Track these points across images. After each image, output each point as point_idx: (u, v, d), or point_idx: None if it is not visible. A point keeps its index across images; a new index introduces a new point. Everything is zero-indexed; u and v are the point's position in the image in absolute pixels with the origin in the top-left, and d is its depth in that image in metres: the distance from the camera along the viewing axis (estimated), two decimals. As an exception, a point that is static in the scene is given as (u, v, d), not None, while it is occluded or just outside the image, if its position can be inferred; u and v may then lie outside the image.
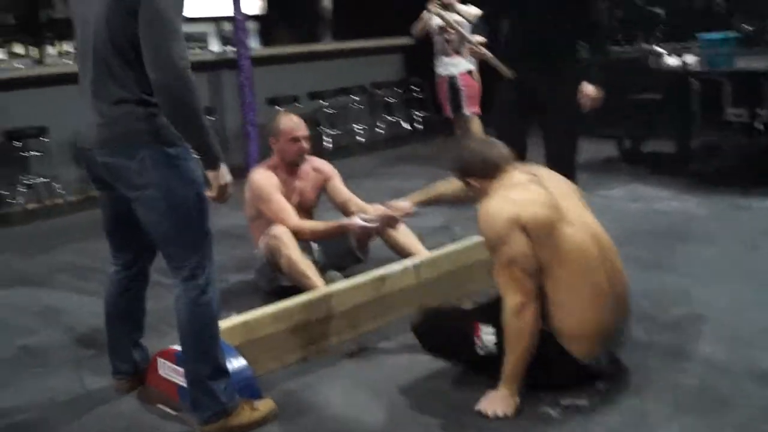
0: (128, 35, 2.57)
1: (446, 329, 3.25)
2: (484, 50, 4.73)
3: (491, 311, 3.00)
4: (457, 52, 7.57)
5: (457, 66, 7.59)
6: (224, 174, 2.75)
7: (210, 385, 2.82)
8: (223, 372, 2.87)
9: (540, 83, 4.42)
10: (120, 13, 2.57)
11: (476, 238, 4.26)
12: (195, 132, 2.63)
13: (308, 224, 4.23)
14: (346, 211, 4.39)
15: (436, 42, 7.66)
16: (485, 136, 7.44)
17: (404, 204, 3.93)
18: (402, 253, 4.30)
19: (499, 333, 2.94)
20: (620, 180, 6.83)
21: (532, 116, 4.63)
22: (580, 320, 2.91)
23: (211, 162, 2.71)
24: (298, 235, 4.16)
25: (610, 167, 7.43)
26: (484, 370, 3.05)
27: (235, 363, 3.06)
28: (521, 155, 4.64)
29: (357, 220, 4.08)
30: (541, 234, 2.86)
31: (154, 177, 2.67)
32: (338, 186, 4.52)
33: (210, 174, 2.73)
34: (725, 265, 4.46)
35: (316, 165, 4.53)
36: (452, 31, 7.24)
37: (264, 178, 4.30)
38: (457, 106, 7.53)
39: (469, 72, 7.51)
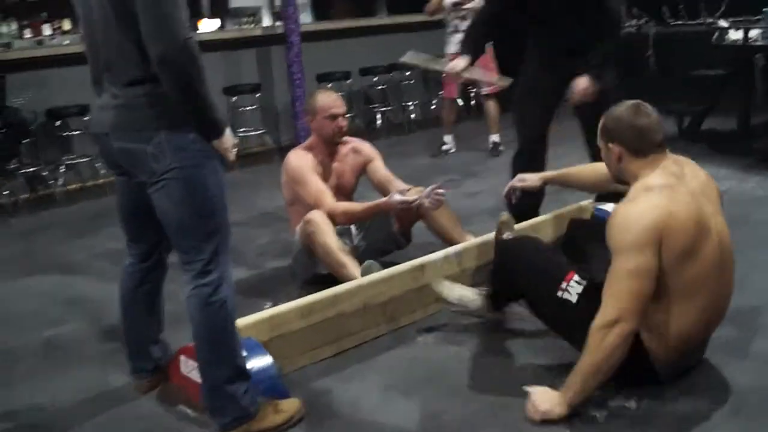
0: (131, 8, 2.38)
1: (537, 256, 3.11)
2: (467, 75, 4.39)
3: (591, 277, 2.87)
4: None
5: None
6: (229, 138, 2.61)
7: (229, 390, 2.65)
8: (243, 374, 2.70)
9: (570, 75, 4.19)
10: None
11: (525, 224, 4.07)
12: (199, 105, 2.48)
13: (343, 206, 4.02)
14: (385, 193, 4.16)
15: (448, 19, 7.42)
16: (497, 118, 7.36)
17: (532, 178, 3.81)
18: (446, 238, 4.09)
19: (587, 290, 2.81)
20: None
21: (558, 105, 4.46)
22: (677, 326, 2.69)
23: (216, 132, 2.56)
24: (334, 218, 3.97)
25: (668, 145, 6.98)
26: (546, 319, 3.03)
27: (260, 361, 2.91)
28: (541, 145, 4.51)
29: (396, 197, 3.86)
30: (677, 248, 2.61)
31: (172, 162, 2.52)
32: (378, 167, 4.31)
33: (216, 143, 2.57)
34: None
35: (356, 146, 4.33)
36: (467, 6, 7.04)
37: (299, 159, 4.12)
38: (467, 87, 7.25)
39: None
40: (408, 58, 4.32)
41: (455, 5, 7.32)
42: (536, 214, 4.33)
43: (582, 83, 4.12)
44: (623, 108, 2.83)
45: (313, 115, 4.15)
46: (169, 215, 2.61)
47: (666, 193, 2.64)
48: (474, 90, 8.11)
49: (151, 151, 2.52)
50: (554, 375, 2.94)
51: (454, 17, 7.40)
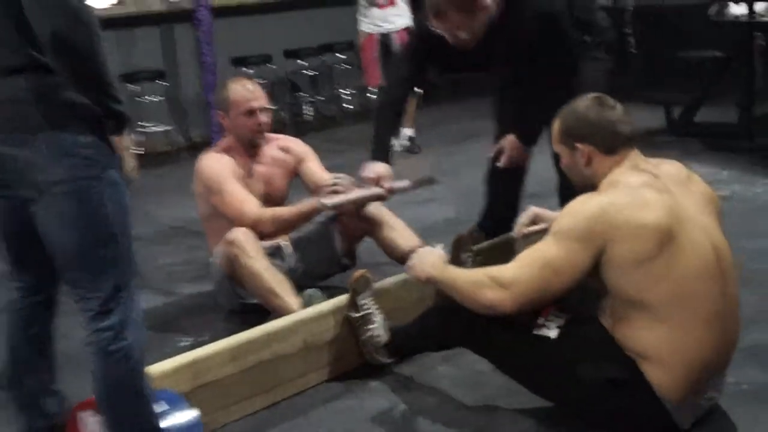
0: None
1: None
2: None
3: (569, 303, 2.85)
4: (391, 2, 7.26)
5: (391, 20, 7.27)
6: (128, 139, 2.53)
7: (139, 457, 2.50)
8: (157, 437, 2.55)
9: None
10: None
11: (497, 240, 4.04)
12: (99, 89, 2.36)
13: (269, 211, 3.91)
14: None
15: None
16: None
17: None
18: (397, 255, 3.99)
19: (569, 324, 2.81)
20: (668, 156, 6.25)
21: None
22: (677, 342, 2.65)
23: (121, 124, 2.47)
24: (262, 228, 3.85)
25: (656, 141, 7.20)
26: (516, 366, 2.93)
27: (182, 416, 2.78)
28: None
29: (325, 200, 3.76)
30: (632, 251, 2.60)
31: (58, 172, 2.38)
32: (314, 168, 4.20)
33: (117, 139, 2.47)
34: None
35: (283, 144, 4.22)
36: None
37: (214, 164, 3.99)
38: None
39: (407, 29, 7.14)
40: (331, 202, 3.85)
41: None
42: (507, 230, 4.26)
43: (508, 145, 4.04)
44: (584, 104, 2.85)
45: (226, 111, 4.01)
46: (58, 240, 2.45)
47: (631, 191, 2.67)
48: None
49: (31, 159, 2.37)
50: (534, 422, 2.93)
51: None
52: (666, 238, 2.60)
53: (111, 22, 7.75)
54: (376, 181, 3.77)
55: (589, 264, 2.63)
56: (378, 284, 3.52)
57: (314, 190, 4.13)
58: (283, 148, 4.19)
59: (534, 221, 3.15)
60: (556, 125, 2.90)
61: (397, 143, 7.68)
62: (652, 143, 7.07)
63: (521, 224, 3.19)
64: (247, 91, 4.00)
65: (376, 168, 3.80)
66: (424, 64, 4.07)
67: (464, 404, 3.15)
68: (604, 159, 2.78)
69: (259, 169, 4.10)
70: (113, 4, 8.66)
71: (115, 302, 2.46)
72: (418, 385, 3.30)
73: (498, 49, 3.78)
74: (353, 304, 3.34)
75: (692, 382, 2.69)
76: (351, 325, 3.35)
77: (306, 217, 3.92)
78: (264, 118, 4.01)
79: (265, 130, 4.05)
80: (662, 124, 7.52)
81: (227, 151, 4.05)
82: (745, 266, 4.19)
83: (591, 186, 2.82)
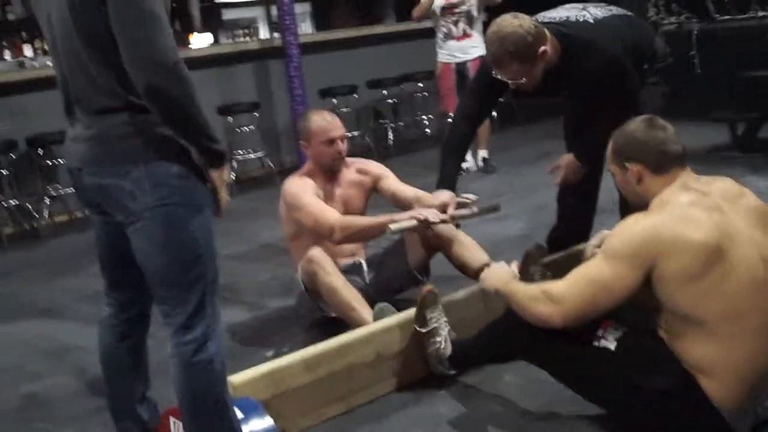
0: (100, 26, 2.26)
1: None
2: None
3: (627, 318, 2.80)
4: (466, 34, 7.21)
5: (466, 50, 7.22)
6: (226, 172, 2.50)
7: (219, 461, 2.49)
8: (237, 444, 2.54)
9: None
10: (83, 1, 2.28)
11: (566, 253, 3.96)
12: (197, 133, 2.36)
13: (345, 220, 3.82)
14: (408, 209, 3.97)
15: (438, 25, 7.31)
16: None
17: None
18: (467, 270, 3.91)
19: (627, 336, 2.75)
20: (733, 173, 6.12)
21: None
22: (731, 355, 2.56)
23: (218, 160, 2.44)
24: (335, 234, 3.78)
25: (721, 157, 6.98)
26: (574, 377, 2.87)
27: (260, 425, 2.75)
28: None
29: (391, 225, 3.63)
30: (682, 269, 2.52)
31: (151, 200, 2.39)
32: (393, 184, 4.14)
33: (215, 173, 2.45)
34: None
35: (360, 167, 4.18)
36: (458, 10, 6.92)
37: (296, 185, 3.97)
38: None
39: (482, 57, 7.08)
40: (397, 227, 3.69)
41: (445, 9, 7.20)
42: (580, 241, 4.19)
43: (567, 162, 3.94)
44: (635, 125, 2.78)
45: (308, 140, 4.00)
46: (148, 261, 2.47)
47: (679, 210, 2.59)
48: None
49: (128, 188, 2.39)
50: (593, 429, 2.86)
51: (444, 22, 7.29)
52: (715, 255, 2.50)
53: (208, 60, 7.92)
54: (442, 209, 3.70)
55: (638, 282, 2.56)
56: (446, 298, 3.47)
57: (399, 203, 4.08)
58: (361, 170, 4.17)
59: None
60: (610, 146, 2.84)
61: (473, 164, 7.64)
62: (718, 159, 6.89)
63: (592, 245, 3.10)
64: (326, 122, 3.99)
65: (441, 196, 3.73)
66: (491, 100, 4.02)
67: (528, 410, 3.08)
68: (654, 178, 2.70)
69: (338, 191, 4.09)
70: (211, 44, 8.84)
71: (198, 318, 2.46)
72: (484, 393, 3.25)
73: (560, 86, 3.72)
74: (421, 319, 3.30)
75: (747, 392, 2.59)
76: (418, 338, 3.32)
77: (376, 230, 3.80)
78: (342, 146, 3.99)
79: (343, 158, 4.04)
80: (727, 141, 7.29)
81: (309, 175, 4.05)
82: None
83: (645, 204, 2.73)
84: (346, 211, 4.04)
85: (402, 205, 4.06)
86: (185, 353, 2.45)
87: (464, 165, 7.59)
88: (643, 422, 2.72)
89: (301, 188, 3.94)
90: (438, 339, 3.25)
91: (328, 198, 4.01)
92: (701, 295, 2.51)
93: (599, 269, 2.62)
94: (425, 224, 3.64)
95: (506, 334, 3.01)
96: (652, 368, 2.65)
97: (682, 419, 2.62)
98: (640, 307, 2.71)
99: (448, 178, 3.79)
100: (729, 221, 2.57)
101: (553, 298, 2.67)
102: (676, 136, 2.74)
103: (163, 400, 2.94)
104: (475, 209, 3.76)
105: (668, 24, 8.44)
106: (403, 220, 3.64)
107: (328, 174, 4.05)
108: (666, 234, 2.52)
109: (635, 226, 2.61)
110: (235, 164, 7.91)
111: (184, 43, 8.87)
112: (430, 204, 3.74)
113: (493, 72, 3.57)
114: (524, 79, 3.51)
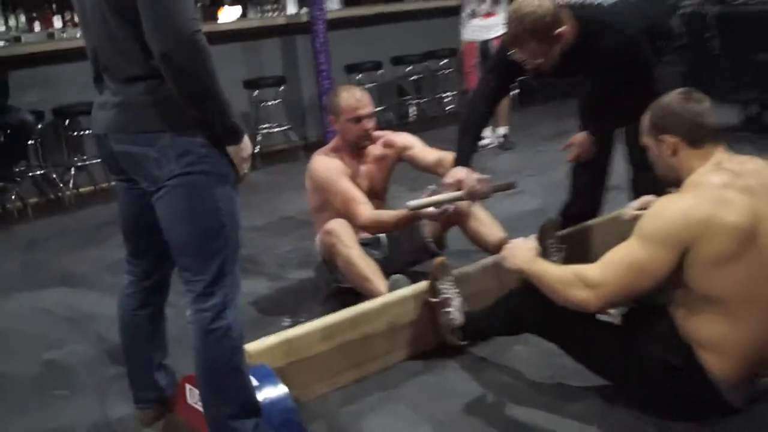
0: (129, 3, 2.26)
1: None
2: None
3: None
4: (491, 13, 7.14)
5: (490, 29, 7.15)
6: (247, 147, 2.51)
7: (234, 427, 2.53)
8: (252, 410, 2.58)
9: None
10: None
11: (579, 227, 3.98)
12: (211, 107, 2.36)
13: (377, 216, 3.83)
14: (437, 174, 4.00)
15: (464, 2, 7.25)
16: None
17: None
18: (483, 245, 3.93)
19: (633, 312, 2.77)
20: (745, 153, 6.21)
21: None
22: (741, 335, 2.56)
23: (233, 137, 2.45)
24: (368, 228, 3.84)
25: (734, 137, 6.73)
26: (580, 349, 2.87)
27: (273, 392, 2.77)
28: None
29: (409, 202, 3.61)
30: (715, 252, 2.49)
31: (176, 168, 2.40)
32: (417, 153, 4.12)
33: (231, 149, 2.46)
34: None
35: (387, 140, 4.15)
36: None
37: (327, 165, 3.97)
38: None
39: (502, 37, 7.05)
40: (414, 203, 3.66)
41: None
42: (591, 217, 4.17)
43: (580, 140, 3.92)
44: (671, 97, 2.73)
45: (337, 116, 3.99)
46: (172, 228, 2.49)
47: (714, 191, 2.54)
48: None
49: (153, 156, 2.40)
50: (598, 400, 2.87)
51: (470, 0, 7.22)
52: (748, 238, 2.48)
53: (236, 34, 7.90)
54: (457, 186, 3.68)
55: (673, 264, 2.52)
56: (459, 270, 3.47)
57: (428, 169, 4.08)
58: (387, 143, 4.14)
59: (645, 207, 2.94)
60: (646, 118, 2.79)
61: (494, 140, 7.61)
62: (732, 138, 6.80)
63: (633, 207, 3.09)
64: (355, 98, 3.95)
65: (457, 173, 3.70)
66: (508, 81, 3.98)
67: (535, 382, 3.10)
68: (689, 151, 2.65)
69: (364, 168, 4.08)
70: (238, 18, 8.81)
71: (218, 286, 2.48)
72: (493, 364, 3.26)
73: (577, 67, 3.69)
74: (433, 289, 3.30)
75: (749, 369, 2.61)
76: (430, 309, 3.32)
77: (405, 223, 3.81)
78: (370, 124, 3.97)
79: (370, 135, 4.01)
80: (741, 122, 7.24)
81: (336, 151, 4.04)
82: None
83: (676, 179, 2.69)
84: (371, 184, 4.05)
85: (425, 170, 4.08)
86: (204, 320, 2.47)
87: (483, 141, 7.57)
88: (644, 393, 2.74)
89: (333, 172, 3.92)
90: (449, 309, 3.26)
91: (354, 175, 4.00)
92: (730, 277, 2.49)
93: (634, 252, 2.56)
94: (445, 202, 3.64)
95: (517, 307, 3.03)
96: (655, 342, 2.66)
97: (680, 391, 2.64)
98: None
99: (464, 156, 3.78)
100: (760, 204, 2.53)
101: (589, 282, 2.60)
102: (711, 110, 2.69)
103: (180, 369, 2.97)
104: (489, 186, 3.73)
105: (687, 6, 8.33)
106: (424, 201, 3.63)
107: (355, 150, 4.04)
108: (701, 217, 2.48)
109: (670, 208, 2.57)
110: (259, 137, 7.90)
111: (213, 16, 8.82)
112: (447, 180, 3.72)
113: (510, 53, 3.55)
114: (542, 59, 3.48)
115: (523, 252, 2.87)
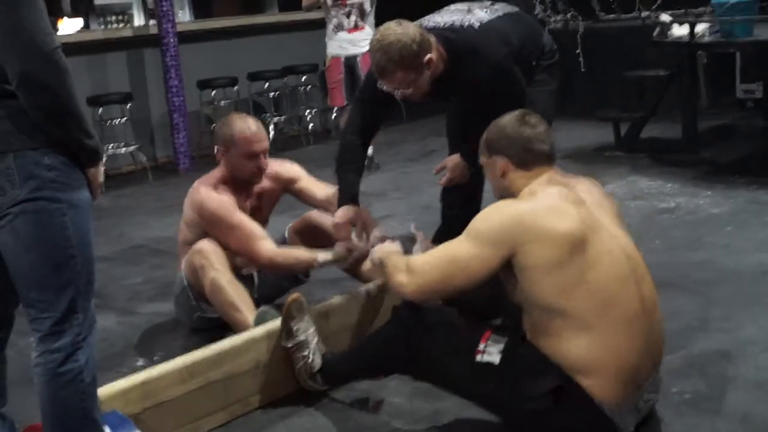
0: None
1: (444, 320, 2.97)
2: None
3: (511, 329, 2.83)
4: (357, 27, 7.19)
5: (357, 43, 7.18)
6: (101, 171, 2.46)
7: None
8: (106, 463, 2.42)
9: None
10: None
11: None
12: (70, 127, 2.29)
13: (280, 258, 3.66)
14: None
15: (329, 16, 7.26)
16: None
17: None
18: (352, 270, 3.93)
19: (510, 346, 2.75)
20: (616, 172, 6.58)
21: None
22: (603, 348, 2.61)
23: (92, 158, 2.39)
24: (266, 267, 3.72)
25: (604, 157, 7.20)
26: (467, 392, 2.86)
27: (127, 440, 2.64)
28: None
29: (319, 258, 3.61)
30: (544, 257, 2.61)
31: (23, 193, 2.28)
32: (305, 186, 4.02)
33: (91, 171, 2.40)
34: (747, 281, 4.09)
35: (271, 171, 3.94)
36: (351, 1, 6.93)
37: (219, 199, 3.73)
38: (351, 94, 7.09)
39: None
40: (323, 259, 3.66)
41: (337, 0, 7.15)
42: None
43: (453, 163, 3.91)
44: (508, 119, 2.89)
45: (227, 148, 3.76)
46: (16, 258, 2.34)
47: (549, 200, 2.69)
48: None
49: None
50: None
51: (336, 13, 7.23)
52: (577, 246, 2.59)
53: (78, 47, 7.65)
54: (348, 228, 3.64)
55: (495, 265, 2.65)
56: (320, 306, 3.40)
57: (308, 204, 4.05)
58: (271, 176, 3.95)
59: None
60: (483, 137, 2.93)
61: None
62: (602, 159, 7.08)
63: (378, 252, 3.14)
64: (251, 132, 3.73)
65: (346, 214, 3.64)
66: (379, 111, 3.87)
67: (414, 419, 3.05)
68: (517, 173, 2.80)
69: (249, 202, 3.92)
70: (80, 30, 8.56)
71: (68, 324, 2.35)
72: (368, 403, 3.19)
73: (448, 93, 3.69)
74: (287, 332, 3.17)
75: (626, 384, 2.64)
76: (286, 353, 3.20)
77: (304, 266, 3.74)
78: (264, 162, 3.78)
79: (262, 175, 3.83)
80: (611, 141, 7.47)
81: (221, 182, 3.82)
82: (688, 277, 4.15)
83: (510, 197, 2.81)
84: (254, 219, 3.85)
85: (314, 206, 4.02)
86: (51, 362, 2.34)
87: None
88: (531, 427, 2.72)
89: (225, 207, 3.71)
90: (305, 353, 3.15)
91: (240, 208, 3.81)
92: (564, 285, 2.59)
93: (459, 249, 2.71)
94: (352, 256, 3.63)
95: (383, 346, 3.00)
96: (536, 374, 2.65)
97: (568, 422, 2.64)
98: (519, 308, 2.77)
99: (348, 193, 3.71)
100: (592, 215, 2.69)
101: (411, 269, 2.76)
102: (547, 135, 2.84)
103: (21, 419, 2.81)
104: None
105: (554, 22, 8.60)
106: (330, 253, 3.64)
107: (241, 186, 3.86)
108: (531, 222, 2.61)
109: (504, 210, 2.73)
110: (104, 158, 7.64)
111: (53, 27, 8.58)
112: (336, 220, 3.65)
113: (378, 83, 3.52)
114: (411, 88, 3.46)
115: (387, 247, 3.00)
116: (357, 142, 3.83)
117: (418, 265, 2.77)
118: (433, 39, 3.48)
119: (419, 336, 2.86)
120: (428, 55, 3.41)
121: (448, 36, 3.56)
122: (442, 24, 3.63)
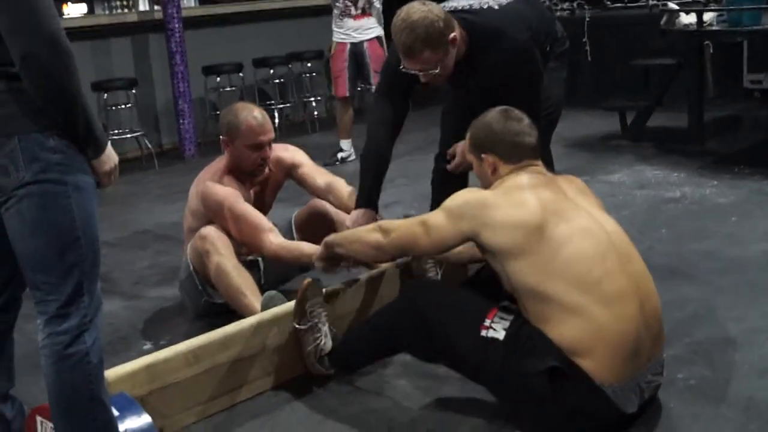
0: None
1: (450, 296, 3.05)
2: None
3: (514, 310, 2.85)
4: (364, 13, 7.16)
5: (364, 31, 7.16)
6: (110, 157, 2.46)
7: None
8: (112, 444, 2.44)
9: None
10: None
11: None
12: (73, 113, 2.29)
13: (284, 250, 3.61)
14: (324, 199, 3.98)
15: (335, 1, 7.22)
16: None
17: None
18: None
19: (515, 323, 2.79)
20: (622, 161, 6.59)
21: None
22: (595, 328, 2.64)
23: (95, 148, 2.39)
24: (270, 257, 3.70)
25: (610, 146, 7.19)
26: (469, 368, 2.89)
27: (136, 423, 2.65)
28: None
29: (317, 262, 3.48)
30: (517, 249, 2.73)
31: (28, 175, 2.29)
32: (306, 173, 3.99)
33: (94, 162, 2.41)
34: (752, 270, 4.10)
35: (275, 157, 3.93)
36: None
37: (225, 189, 3.74)
38: (357, 82, 7.06)
39: (378, 38, 7.09)
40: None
41: None
42: None
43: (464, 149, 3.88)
44: (491, 115, 2.99)
45: (231, 137, 3.75)
46: (21, 241, 2.36)
47: (514, 191, 2.82)
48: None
49: (2, 162, 2.28)
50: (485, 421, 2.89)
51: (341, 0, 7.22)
52: (536, 232, 2.69)
53: (82, 32, 7.66)
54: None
55: (454, 240, 2.86)
56: (329, 288, 3.40)
57: (314, 194, 4.03)
58: (274, 161, 3.93)
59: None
60: (467, 136, 3.02)
61: (347, 150, 7.51)
62: (607, 148, 7.07)
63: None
64: (256, 122, 3.71)
65: (358, 218, 3.60)
66: (403, 99, 3.80)
67: (416, 408, 3.06)
68: (506, 168, 2.92)
69: (252, 191, 3.93)
70: (85, 14, 8.56)
71: (74, 306, 2.36)
72: (371, 390, 3.20)
73: (469, 77, 3.65)
74: (301, 313, 3.19)
75: (625, 361, 2.66)
76: (297, 335, 3.22)
77: (308, 260, 3.55)
78: (268, 152, 3.78)
79: (265, 166, 3.82)
80: (617, 130, 7.47)
81: (226, 172, 3.82)
82: (694, 265, 4.17)
83: None
84: (257, 205, 3.88)
85: (314, 194, 4.01)
86: (58, 344, 2.34)
87: (343, 154, 7.49)
88: (533, 408, 2.75)
89: (230, 200, 3.70)
90: (318, 335, 3.18)
91: (245, 200, 3.80)
92: (539, 264, 2.68)
93: (430, 216, 2.92)
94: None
95: (393, 323, 3.03)
96: (538, 353, 2.68)
97: (569, 403, 2.66)
98: None
99: (368, 195, 3.68)
100: (566, 199, 2.82)
101: (383, 228, 2.99)
102: (531, 128, 2.95)
103: (29, 400, 2.83)
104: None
105: (561, 10, 8.60)
106: None
107: (246, 175, 3.85)
108: (493, 209, 2.76)
109: (471, 193, 2.91)
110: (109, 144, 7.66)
111: (57, 12, 8.60)
112: (349, 224, 3.61)
113: (402, 66, 3.44)
114: (437, 69, 3.38)
115: (363, 215, 3.44)
116: (382, 135, 3.78)
117: (390, 226, 2.99)
118: (454, 20, 3.43)
119: (428, 309, 2.91)
120: (452, 33, 3.35)
121: (468, 18, 3.49)
122: (460, 6, 3.57)
